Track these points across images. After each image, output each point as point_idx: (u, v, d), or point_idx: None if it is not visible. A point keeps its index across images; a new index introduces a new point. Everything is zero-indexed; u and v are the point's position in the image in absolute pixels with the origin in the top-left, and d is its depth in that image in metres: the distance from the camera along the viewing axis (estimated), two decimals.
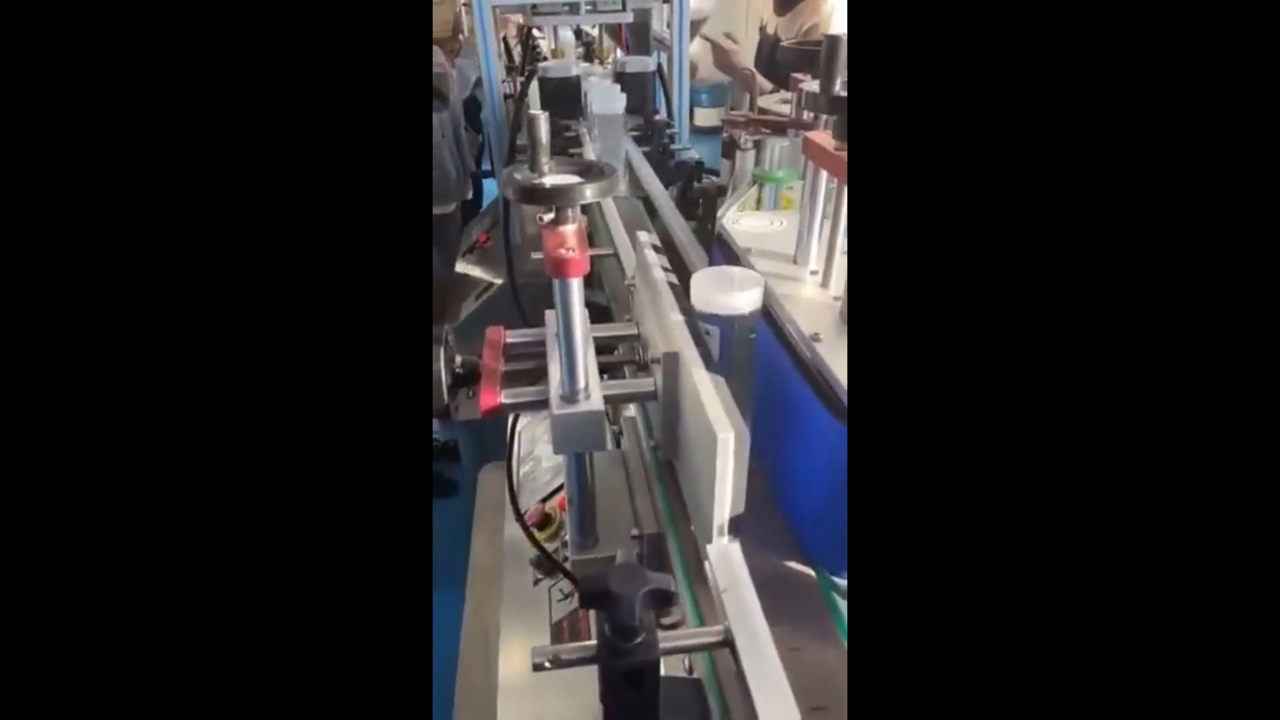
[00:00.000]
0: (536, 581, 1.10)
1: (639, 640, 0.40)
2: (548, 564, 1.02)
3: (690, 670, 0.52)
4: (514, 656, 1.01)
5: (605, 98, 1.26)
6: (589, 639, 0.88)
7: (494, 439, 1.76)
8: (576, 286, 0.55)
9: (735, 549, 0.48)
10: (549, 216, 0.56)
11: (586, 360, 0.58)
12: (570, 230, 0.55)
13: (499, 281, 1.88)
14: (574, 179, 0.55)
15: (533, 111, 0.55)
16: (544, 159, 0.55)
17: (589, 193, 0.54)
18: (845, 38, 0.52)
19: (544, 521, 1.16)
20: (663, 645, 0.41)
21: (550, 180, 0.55)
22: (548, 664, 0.42)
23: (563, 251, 0.53)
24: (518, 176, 0.55)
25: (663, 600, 0.40)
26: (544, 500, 1.21)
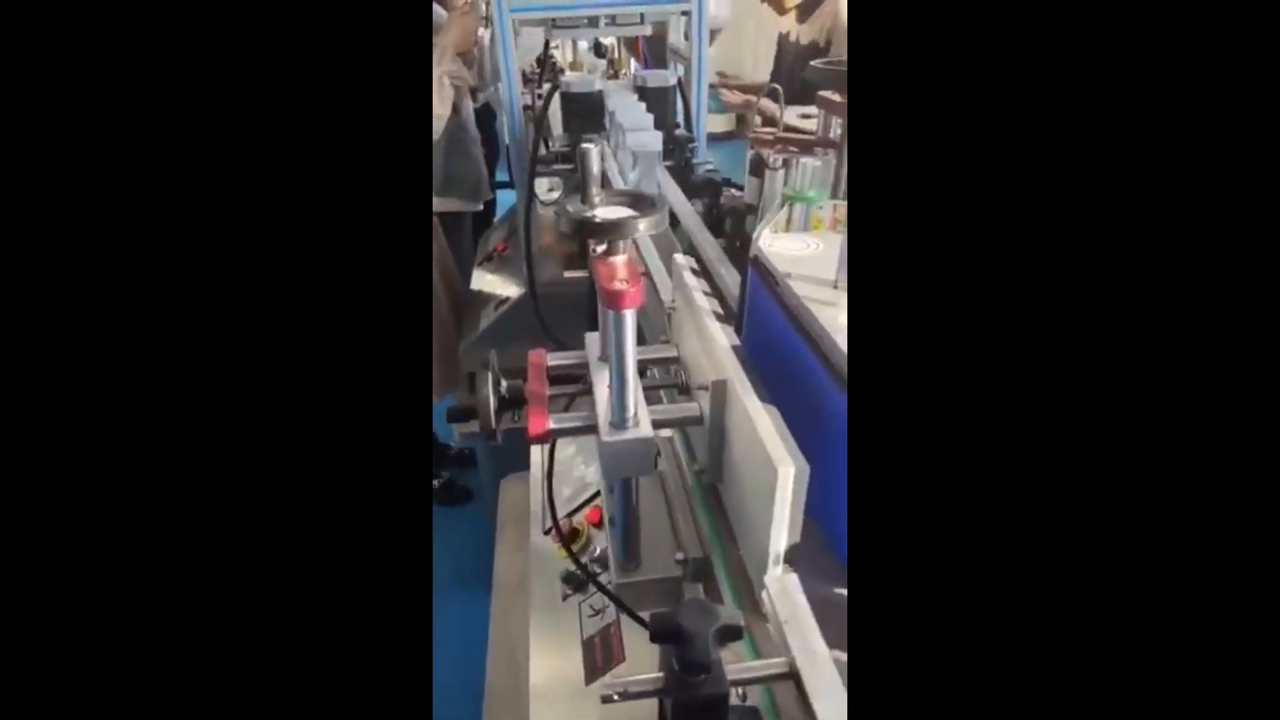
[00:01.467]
0: (566, 597, 1.11)
1: (708, 674, 0.41)
2: (580, 581, 1.02)
3: (744, 698, 0.53)
4: (544, 672, 1.02)
5: (638, 131, 1.26)
6: (622, 657, 0.89)
7: (510, 448, 1.76)
8: (630, 318, 0.55)
9: (793, 579, 0.49)
10: (601, 248, 0.57)
11: (635, 387, 0.59)
12: (621, 261, 0.56)
13: (514, 294, 1.89)
14: (626, 212, 0.56)
15: (585, 145, 0.56)
16: (595, 191, 0.56)
17: (642, 226, 0.55)
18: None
19: (572, 536, 1.17)
20: (729, 677, 0.42)
21: (601, 213, 0.56)
22: (616, 697, 0.42)
23: (617, 284, 0.54)
24: (570, 209, 0.56)
25: (732, 635, 0.41)
26: (570, 515, 1.22)
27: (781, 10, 2.18)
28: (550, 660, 1.02)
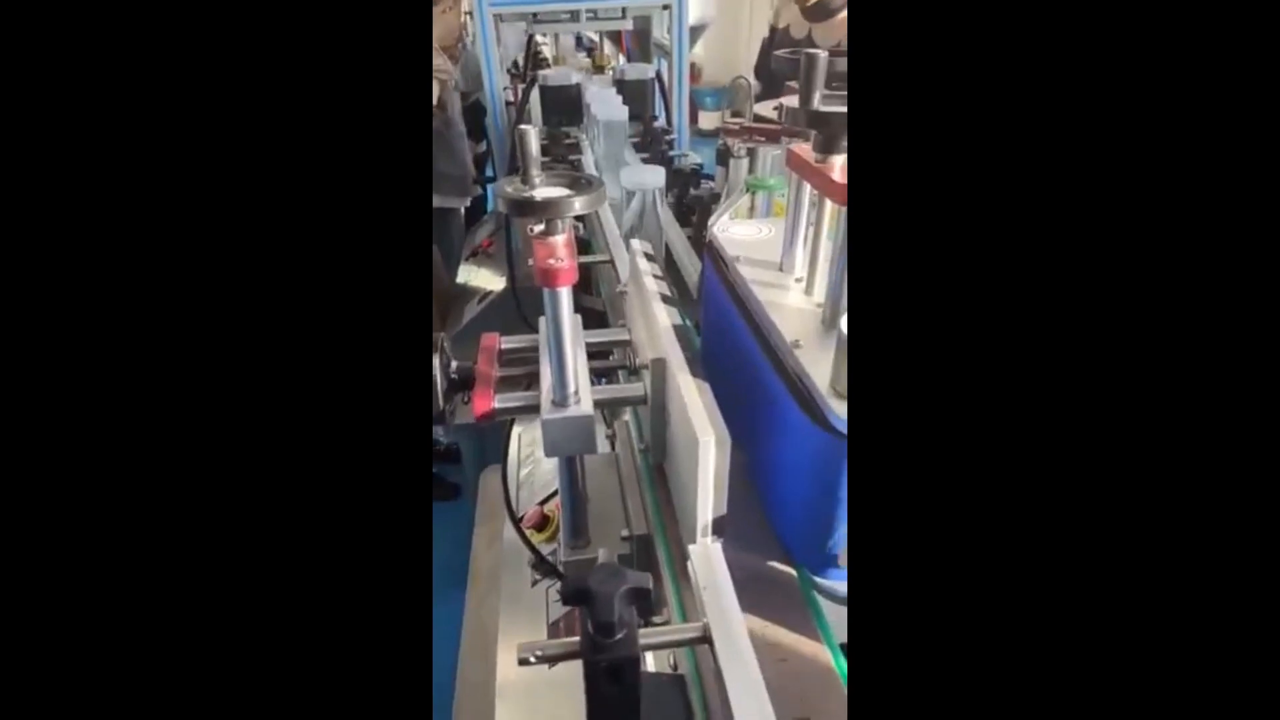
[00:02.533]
0: (535, 582, 1.11)
1: (620, 636, 0.42)
2: (544, 565, 1.03)
3: (675, 667, 0.54)
4: (512, 656, 1.03)
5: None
6: None
7: (494, 442, 1.77)
8: (565, 295, 0.56)
9: (717, 549, 0.50)
10: (539, 228, 0.58)
11: (577, 365, 0.60)
12: (559, 240, 0.57)
13: (498, 288, 1.90)
14: (563, 191, 0.57)
15: (522, 126, 0.57)
16: (534, 171, 0.57)
17: (578, 205, 0.55)
18: (824, 56, 0.54)
19: (543, 523, 1.18)
20: (643, 641, 0.43)
21: (540, 193, 0.57)
22: (533, 659, 0.43)
23: (552, 261, 0.54)
24: (508, 189, 0.57)
25: (641, 598, 0.42)
26: (543, 502, 1.23)
27: (814, 17, 2.13)
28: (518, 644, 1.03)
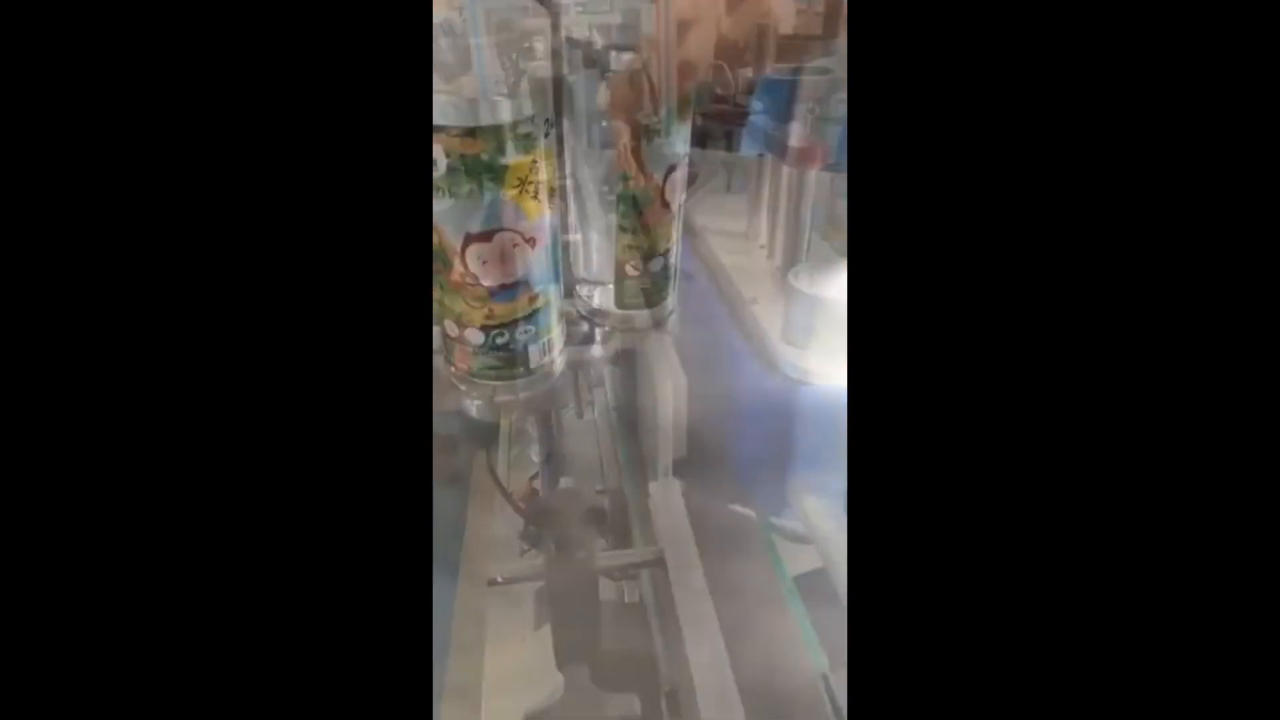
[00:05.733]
0: (524, 552, 1.15)
1: (579, 556, 0.46)
2: (534, 536, 1.07)
3: (641, 600, 0.58)
4: (500, 622, 1.06)
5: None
6: None
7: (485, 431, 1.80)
8: None
9: (676, 486, 0.53)
10: None
11: None
12: None
13: None
14: None
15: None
16: None
17: None
18: (773, 27, 0.57)
19: (533, 495, 1.21)
20: (601, 562, 0.47)
21: None
22: (500, 580, 0.47)
23: None
24: None
25: (599, 519, 0.45)
26: (532, 478, 1.27)
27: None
28: (505, 611, 1.07)
